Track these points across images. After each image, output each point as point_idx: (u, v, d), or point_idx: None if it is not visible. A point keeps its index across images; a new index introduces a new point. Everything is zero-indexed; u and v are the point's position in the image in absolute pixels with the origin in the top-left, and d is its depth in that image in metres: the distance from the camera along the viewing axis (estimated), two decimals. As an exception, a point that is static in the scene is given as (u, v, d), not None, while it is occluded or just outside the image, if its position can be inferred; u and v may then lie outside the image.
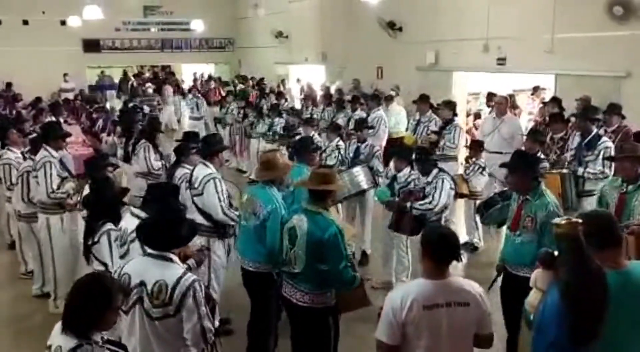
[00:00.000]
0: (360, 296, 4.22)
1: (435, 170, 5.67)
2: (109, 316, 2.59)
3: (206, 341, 3.14)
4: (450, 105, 8.48)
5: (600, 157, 6.09)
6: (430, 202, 5.48)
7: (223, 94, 15.38)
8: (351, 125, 9.08)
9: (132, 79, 21.86)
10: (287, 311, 4.24)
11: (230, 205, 5.11)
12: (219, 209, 4.97)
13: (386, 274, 6.35)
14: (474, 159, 7.27)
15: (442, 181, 5.51)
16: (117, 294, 2.63)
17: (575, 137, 6.55)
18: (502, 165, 4.59)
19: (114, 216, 4.29)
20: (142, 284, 3.08)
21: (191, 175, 5.21)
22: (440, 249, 2.90)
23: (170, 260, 3.15)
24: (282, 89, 16.19)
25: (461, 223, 7.62)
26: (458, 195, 7.21)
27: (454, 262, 2.95)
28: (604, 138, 6.39)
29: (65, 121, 11.52)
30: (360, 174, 6.26)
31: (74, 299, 2.57)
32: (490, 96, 10.43)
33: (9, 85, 17.62)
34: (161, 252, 3.16)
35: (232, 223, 5.09)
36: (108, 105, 15.16)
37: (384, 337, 2.89)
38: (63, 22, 18.36)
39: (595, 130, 6.47)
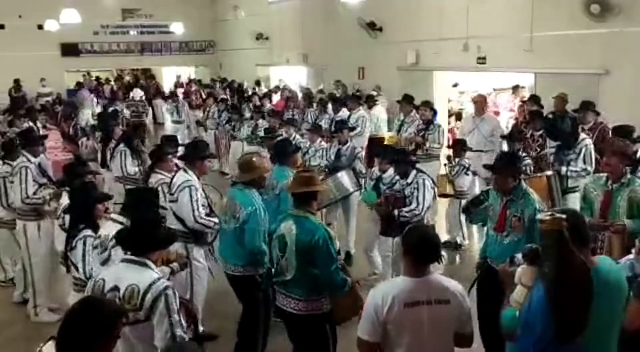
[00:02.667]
0: (352, 303, 4.13)
1: (413, 172, 5.62)
2: (106, 346, 2.33)
3: None
4: (430, 105, 8.51)
5: (582, 155, 6.15)
6: (416, 208, 5.40)
7: (204, 96, 15.28)
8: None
9: (108, 83, 21.51)
10: (284, 322, 4.12)
11: (211, 211, 5.02)
12: (191, 216, 4.86)
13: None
14: (457, 159, 7.21)
15: (423, 181, 5.46)
16: (114, 320, 2.36)
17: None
18: (486, 166, 4.60)
19: (91, 221, 4.19)
20: (115, 288, 3.02)
21: (171, 180, 5.13)
22: (421, 250, 2.91)
23: (146, 265, 3.09)
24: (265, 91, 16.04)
25: (442, 222, 7.60)
26: (442, 195, 7.26)
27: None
28: (582, 135, 6.44)
29: (44, 126, 11.36)
30: (344, 178, 6.29)
31: (67, 330, 2.30)
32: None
33: (16, 82, 17.36)
34: (137, 256, 3.11)
35: (208, 230, 5.00)
36: (87, 110, 14.97)
37: (365, 335, 2.89)
38: (40, 26, 18.11)
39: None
